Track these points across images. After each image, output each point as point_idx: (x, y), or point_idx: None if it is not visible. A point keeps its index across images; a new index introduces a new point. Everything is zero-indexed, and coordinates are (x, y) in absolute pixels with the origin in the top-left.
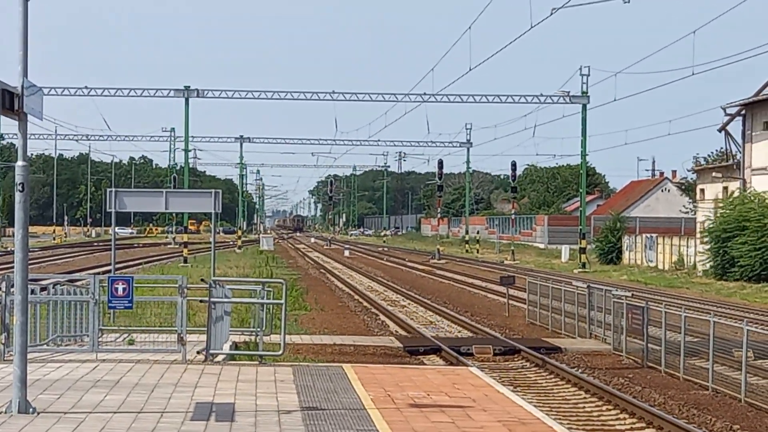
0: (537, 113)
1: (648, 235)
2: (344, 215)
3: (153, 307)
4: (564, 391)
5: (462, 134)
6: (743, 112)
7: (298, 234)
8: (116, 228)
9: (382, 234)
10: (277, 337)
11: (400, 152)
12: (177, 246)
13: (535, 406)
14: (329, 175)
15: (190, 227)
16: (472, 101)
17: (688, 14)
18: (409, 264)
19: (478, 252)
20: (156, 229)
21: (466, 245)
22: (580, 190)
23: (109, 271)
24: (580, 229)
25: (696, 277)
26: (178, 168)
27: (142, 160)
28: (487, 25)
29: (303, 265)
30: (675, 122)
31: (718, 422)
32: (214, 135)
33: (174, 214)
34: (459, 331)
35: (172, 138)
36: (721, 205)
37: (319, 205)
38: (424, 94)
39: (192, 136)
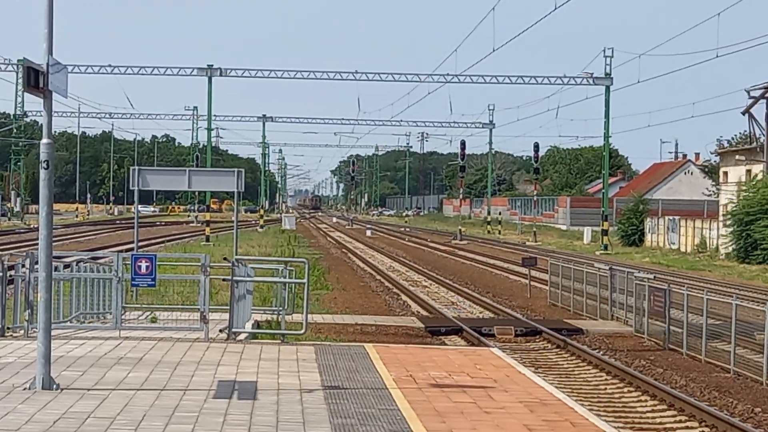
0: (560, 95)
1: (670, 218)
2: (366, 195)
3: (175, 286)
4: (585, 373)
5: (485, 115)
6: (767, 95)
7: (319, 213)
8: (138, 206)
9: (404, 214)
10: (299, 316)
11: (423, 133)
12: (199, 225)
13: (556, 387)
14: (351, 154)
15: (212, 206)
16: (495, 82)
17: None
18: (431, 244)
19: (500, 233)
20: (178, 208)
21: (488, 226)
22: (603, 172)
23: (131, 249)
24: (603, 211)
25: (718, 260)
26: (200, 147)
27: (164, 139)
28: (511, 6)
29: (325, 244)
30: (698, 104)
31: (739, 405)
32: (236, 114)
33: (196, 193)
34: (480, 312)
35: (195, 117)
36: (744, 188)
37: (341, 185)
38: (447, 74)
39: (215, 115)
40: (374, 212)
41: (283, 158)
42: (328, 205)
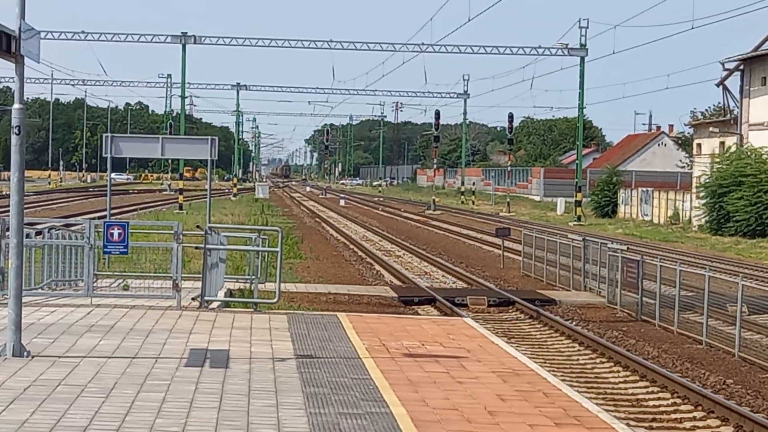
0: (535, 65)
1: (644, 189)
2: (340, 165)
3: (148, 253)
4: (558, 343)
5: (459, 85)
6: (742, 67)
7: (293, 183)
8: (112, 174)
9: (376, 184)
10: (272, 284)
11: (397, 102)
12: (172, 193)
13: (529, 357)
14: (325, 124)
15: (185, 174)
16: (470, 52)
17: None
18: (405, 214)
19: (473, 203)
20: (151, 176)
21: (462, 196)
22: (577, 143)
23: (104, 217)
24: (576, 182)
25: (691, 232)
26: (174, 114)
27: (138, 106)
28: None
29: (298, 213)
30: (673, 76)
31: (711, 376)
32: (210, 82)
33: (170, 161)
34: (454, 282)
35: (169, 84)
36: (717, 160)
37: (315, 154)
38: (422, 44)
39: (189, 83)
40: (347, 181)
41: (257, 127)
42: (302, 175)
